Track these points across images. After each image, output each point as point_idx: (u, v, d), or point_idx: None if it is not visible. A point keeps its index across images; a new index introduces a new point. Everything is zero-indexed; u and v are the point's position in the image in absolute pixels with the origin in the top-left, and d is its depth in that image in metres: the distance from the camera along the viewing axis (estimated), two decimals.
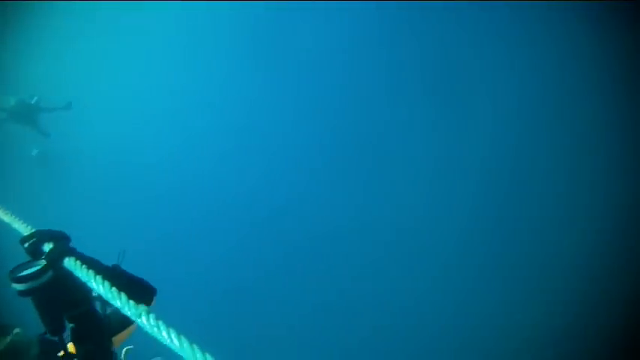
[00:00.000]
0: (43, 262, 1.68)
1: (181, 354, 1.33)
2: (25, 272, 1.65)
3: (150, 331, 1.39)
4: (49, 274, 1.66)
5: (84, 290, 1.75)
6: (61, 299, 1.70)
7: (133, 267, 2.02)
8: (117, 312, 2.21)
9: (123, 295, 1.49)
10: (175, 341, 1.34)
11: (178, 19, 10.39)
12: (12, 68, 9.08)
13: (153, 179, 9.47)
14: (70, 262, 1.66)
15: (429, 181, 10.09)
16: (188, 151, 10.42)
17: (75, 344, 1.78)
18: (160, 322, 1.40)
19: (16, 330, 1.86)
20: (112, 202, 9.07)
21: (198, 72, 10.72)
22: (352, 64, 10.49)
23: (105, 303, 2.02)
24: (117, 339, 2.11)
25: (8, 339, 1.81)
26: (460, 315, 9.20)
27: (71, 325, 1.76)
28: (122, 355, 2.20)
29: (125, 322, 2.18)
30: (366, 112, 10.38)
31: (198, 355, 1.31)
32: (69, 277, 1.67)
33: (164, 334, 1.36)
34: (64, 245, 1.71)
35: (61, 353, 1.89)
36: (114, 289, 1.52)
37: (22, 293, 1.65)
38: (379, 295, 9.31)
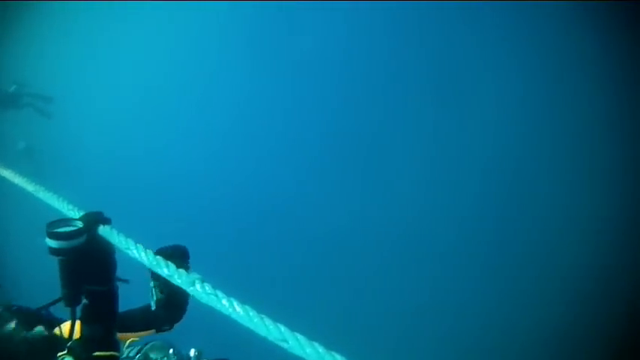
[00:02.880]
0: (80, 223, 1.57)
1: (247, 324, 1.14)
2: (60, 229, 1.54)
3: (206, 300, 1.21)
4: (84, 237, 1.55)
5: (110, 269, 1.65)
6: (87, 269, 1.59)
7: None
8: (137, 311, 2.13)
9: (171, 264, 1.31)
10: (239, 309, 1.16)
11: (172, 17, 10.33)
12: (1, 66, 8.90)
13: (148, 178, 9.26)
14: (105, 230, 1.54)
15: (431, 180, 10.04)
16: (184, 150, 10.28)
17: (82, 323, 1.65)
18: (218, 291, 1.22)
19: None
20: (101, 200, 8.79)
21: (198, 70, 10.61)
22: (354, 64, 10.46)
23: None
24: (125, 336, 1.98)
25: None
26: (461, 315, 9.12)
27: (85, 301, 1.63)
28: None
29: (145, 325, 2.11)
30: (368, 111, 10.35)
31: (269, 323, 1.13)
32: (100, 249, 1.58)
33: (224, 302, 1.18)
34: (101, 214, 1.62)
35: (57, 330, 1.78)
36: (159, 257, 1.33)
37: (52, 251, 1.55)
38: (380, 295, 9.20)
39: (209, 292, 1.21)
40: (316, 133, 10.34)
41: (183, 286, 1.24)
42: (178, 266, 1.42)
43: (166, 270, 1.28)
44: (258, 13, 10.34)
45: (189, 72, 10.63)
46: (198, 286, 1.22)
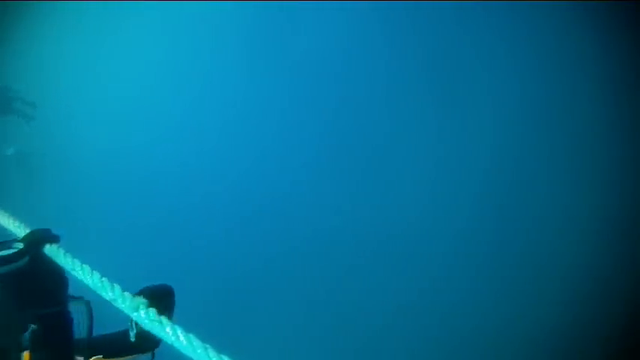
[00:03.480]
0: (20, 245, 1.45)
1: (190, 355, 1.09)
2: None
3: (150, 327, 1.15)
4: (25, 259, 1.43)
5: (60, 288, 1.52)
6: (33, 293, 1.46)
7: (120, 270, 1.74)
8: (116, 337, 2.00)
9: (116, 286, 1.25)
10: (182, 339, 1.10)
11: (168, 16, 10.27)
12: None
13: (143, 180, 9.24)
14: (52, 249, 1.44)
15: (427, 179, 10.01)
16: (179, 150, 10.24)
17: (32, 351, 1.49)
18: (163, 318, 1.16)
19: None
20: (96, 205, 8.75)
21: (192, 70, 10.55)
22: (351, 63, 10.41)
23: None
24: None
25: None
26: (459, 315, 9.11)
27: (33, 326, 1.48)
28: None
29: (124, 351, 1.91)
30: (365, 111, 10.31)
31: (213, 355, 1.07)
32: (47, 269, 1.46)
33: (168, 330, 1.12)
34: (47, 232, 1.49)
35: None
36: (104, 279, 1.27)
37: None
38: (378, 295, 9.19)
39: (153, 318, 1.15)
40: (313, 133, 10.32)
41: (127, 312, 1.18)
42: (158, 308, 1.21)
43: (111, 293, 1.23)
44: (255, 13, 10.28)
45: (184, 72, 10.56)
46: (142, 312, 1.16)
